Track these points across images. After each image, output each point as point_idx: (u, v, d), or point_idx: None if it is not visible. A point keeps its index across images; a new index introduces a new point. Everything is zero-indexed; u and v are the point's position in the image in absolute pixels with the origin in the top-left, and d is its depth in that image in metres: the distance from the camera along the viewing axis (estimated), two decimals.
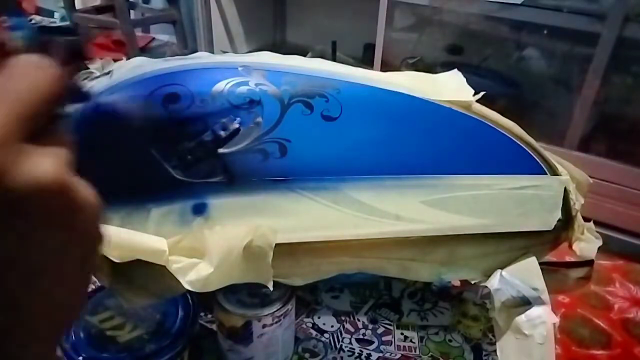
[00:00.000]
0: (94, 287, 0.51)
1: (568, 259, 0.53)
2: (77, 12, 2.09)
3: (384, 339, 0.54)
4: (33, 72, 0.16)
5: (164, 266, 0.35)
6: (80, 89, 0.21)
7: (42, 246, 0.16)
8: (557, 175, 0.43)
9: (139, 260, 0.34)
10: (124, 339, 0.45)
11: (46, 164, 0.15)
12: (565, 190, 0.43)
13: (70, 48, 0.20)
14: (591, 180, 0.49)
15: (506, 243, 0.42)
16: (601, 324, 0.57)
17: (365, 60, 1.70)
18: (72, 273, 0.18)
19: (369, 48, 1.61)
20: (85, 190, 0.17)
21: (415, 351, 0.52)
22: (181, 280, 0.35)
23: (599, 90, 1.20)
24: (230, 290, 0.44)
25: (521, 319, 0.40)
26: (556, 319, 0.40)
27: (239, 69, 0.39)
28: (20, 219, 0.15)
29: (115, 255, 0.34)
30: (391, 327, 0.55)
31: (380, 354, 0.52)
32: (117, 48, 2.09)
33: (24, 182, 0.14)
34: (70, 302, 0.18)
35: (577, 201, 0.45)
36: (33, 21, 2.45)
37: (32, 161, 0.15)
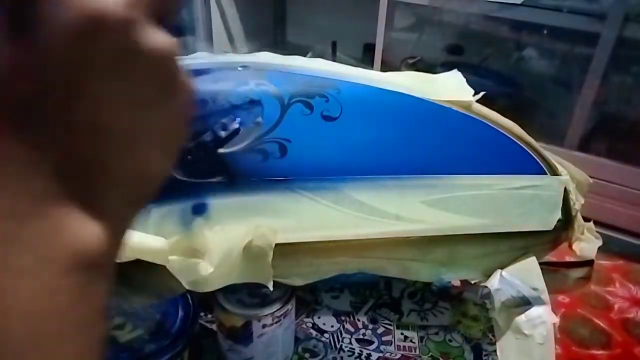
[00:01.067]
0: None
1: (568, 259, 0.53)
2: None
3: (384, 339, 0.54)
4: None
5: (164, 266, 0.35)
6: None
7: (144, 107, 0.17)
8: (557, 175, 0.43)
9: (139, 260, 0.34)
10: (124, 339, 0.45)
11: (165, 36, 0.17)
12: (565, 190, 0.43)
13: None
14: (591, 180, 0.49)
15: (506, 243, 0.42)
16: (601, 324, 0.57)
17: (365, 60, 1.70)
18: (161, 144, 0.18)
19: (369, 48, 1.61)
20: (186, 75, 0.18)
21: (415, 351, 0.52)
22: (181, 280, 0.35)
23: (599, 90, 1.20)
24: (230, 290, 0.44)
25: (521, 319, 0.40)
26: (556, 319, 0.40)
27: (239, 69, 0.39)
28: (138, 73, 0.16)
29: None
30: (391, 327, 0.55)
31: (380, 354, 0.52)
32: None
33: (149, 40, 0.16)
34: (156, 168, 0.19)
35: (577, 201, 0.45)
36: None
37: (154, 30, 0.16)
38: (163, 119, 0.18)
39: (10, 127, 0.15)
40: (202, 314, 0.52)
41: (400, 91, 0.42)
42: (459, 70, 0.48)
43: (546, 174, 0.43)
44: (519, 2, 1.26)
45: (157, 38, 0.16)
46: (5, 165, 0.15)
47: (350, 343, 0.53)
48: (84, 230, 0.16)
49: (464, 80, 0.46)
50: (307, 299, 0.58)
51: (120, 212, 0.18)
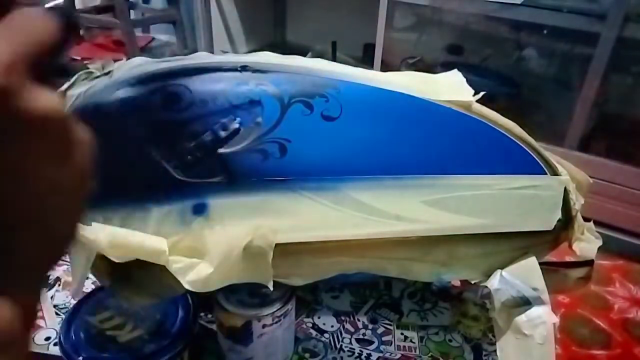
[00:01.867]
0: (93, 287, 0.51)
1: (568, 259, 0.53)
2: (77, 12, 2.09)
3: (384, 339, 0.54)
4: (38, 19, 0.17)
5: (164, 266, 0.35)
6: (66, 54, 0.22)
7: (38, 174, 0.16)
8: (557, 175, 0.43)
9: (139, 260, 0.34)
10: (124, 339, 0.45)
11: (49, 95, 0.16)
12: (565, 190, 0.43)
13: (63, 16, 0.20)
14: (591, 180, 0.49)
15: (506, 243, 0.42)
16: (601, 324, 0.57)
17: (365, 60, 1.70)
18: (64, 204, 0.18)
19: (369, 48, 1.61)
20: (79, 128, 0.17)
21: (415, 351, 0.52)
22: (181, 280, 0.35)
23: (599, 90, 1.20)
24: (230, 290, 0.44)
25: (521, 319, 0.40)
26: (556, 319, 0.40)
27: (238, 69, 0.39)
28: (20, 140, 0.15)
29: (115, 255, 0.34)
30: (391, 327, 0.55)
31: (380, 354, 0.52)
32: (117, 48, 2.09)
33: (30, 106, 0.15)
34: (60, 233, 0.18)
35: (577, 201, 0.45)
36: None
37: (37, 90, 0.15)
38: (60, 180, 0.17)
39: None
40: (202, 314, 0.52)
41: (400, 91, 0.42)
42: (459, 70, 0.48)
43: (546, 174, 0.43)
44: (519, 2, 1.26)
45: (40, 100, 0.15)
46: None
47: (350, 343, 0.53)
48: None
49: (464, 80, 0.46)
50: (307, 299, 0.58)
51: (27, 281, 0.17)
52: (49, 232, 0.17)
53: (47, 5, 0.21)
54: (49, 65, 0.17)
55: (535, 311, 0.40)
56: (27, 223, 0.16)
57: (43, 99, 0.16)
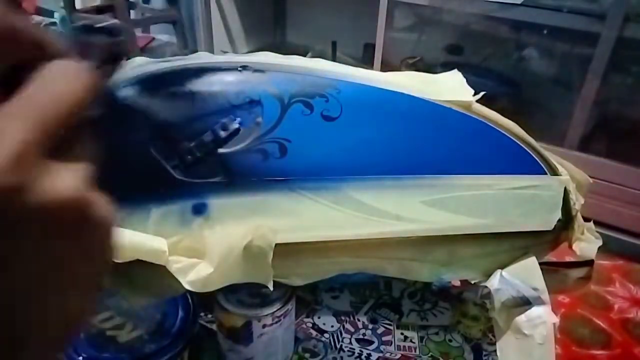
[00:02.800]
0: None
1: (568, 259, 0.53)
2: (77, 12, 2.09)
3: (384, 339, 0.54)
4: (64, 82, 0.16)
5: (164, 266, 0.35)
6: (109, 93, 0.22)
7: (52, 259, 0.16)
8: (557, 175, 0.43)
9: (139, 260, 0.34)
10: (124, 339, 0.45)
11: (66, 180, 0.15)
12: (565, 190, 0.43)
13: (112, 50, 0.20)
14: (591, 180, 0.49)
15: (506, 243, 0.42)
16: (601, 324, 0.57)
17: (365, 60, 1.70)
18: (80, 285, 0.17)
19: (369, 48, 1.61)
20: (102, 206, 0.17)
21: (415, 351, 0.52)
22: (181, 280, 0.35)
23: (599, 90, 1.20)
24: (230, 290, 0.44)
25: (521, 319, 0.40)
26: (556, 319, 0.40)
27: (239, 69, 0.39)
28: (34, 232, 0.15)
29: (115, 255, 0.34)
30: (391, 327, 0.55)
31: (380, 354, 0.52)
32: None
33: (42, 199, 0.14)
34: (77, 314, 0.18)
35: (577, 201, 0.45)
36: (33, 21, 2.45)
37: (51, 178, 0.15)
38: (77, 262, 0.16)
39: None
40: (202, 314, 0.52)
41: (400, 91, 0.42)
42: (459, 70, 0.48)
43: (546, 174, 0.43)
44: (519, 2, 1.26)
45: (56, 185, 0.15)
46: None
47: (350, 343, 0.53)
48: None
49: (464, 80, 0.46)
50: (307, 299, 0.58)
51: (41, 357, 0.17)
52: (57, 314, 0.17)
53: (98, 25, 0.20)
54: (79, 120, 0.16)
55: (535, 311, 0.40)
56: (34, 300, 0.16)
57: (59, 184, 0.15)
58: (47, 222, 0.15)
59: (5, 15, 0.15)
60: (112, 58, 0.20)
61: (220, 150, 0.36)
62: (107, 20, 0.20)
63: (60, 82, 0.16)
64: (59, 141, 0.15)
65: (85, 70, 0.17)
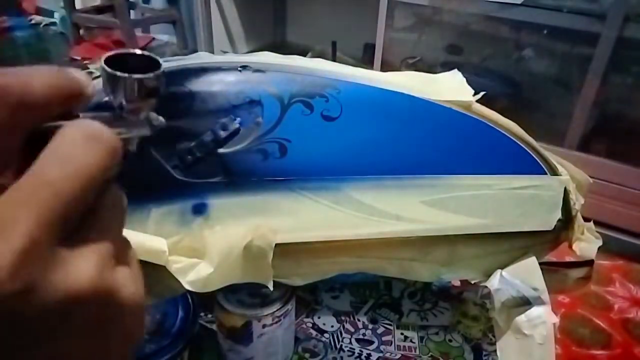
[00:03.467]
0: None
1: (568, 259, 0.53)
2: (77, 12, 2.10)
3: (384, 339, 0.54)
4: (82, 151, 0.14)
5: (164, 266, 0.35)
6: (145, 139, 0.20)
7: (76, 354, 0.14)
8: (557, 175, 0.43)
9: (139, 260, 0.34)
10: None
11: (82, 268, 0.14)
12: (565, 190, 0.43)
13: (145, 86, 0.18)
14: (591, 180, 0.49)
15: (506, 243, 0.42)
16: (601, 324, 0.57)
17: (365, 60, 1.70)
18: None
19: (369, 48, 1.61)
20: (128, 289, 0.15)
21: (415, 351, 0.52)
22: (181, 281, 0.35)
23: (599, 90, 1.20)
24: (230, 290, 0.44)
25: (521, 319, 0.40)
26: (556, 319, 0.40)
27: (239, 69, 0.39)
28: (49, 334, 0.13)
29: None
30: (391, 327, 0.55)
31: (380, 354, 0.52)
32: (117, 48, 2.09)
33: (54, 297, 0.13)
34: None
35: (577, 201, 0.45)
36: (33, 21, 2.45)
37: (64, 269, 0.13)
38: (103, 354, 0.15)
39: None
40: (202, 314, 0.52)
41: (400, 91, 0.42)
42: (459, 70, 0.48)
43: (546, 174, 0.43)
44: (519, 2, 1.26)
45: (70, 278, 0.13)
46: None
47: (350, 343, 0.53)
48: None
49: (464, 80, 0.46)
50: (307, 299, 0.58)
51: None
52: None
53: (135, 51, 0.19)
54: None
55: (535, 311, 0.40)
56: None
57: (74, 278, 0.13)
58: (63, 321, 0.13)
59: (58, 77, 0.14)
60: (146, 95, 0.19)
61: (220, 150, 0.36)
62: (137, 50, 0.19)
63: (77, 151, 0.14)
64: (74, 218, 0.14)
65: (107, 131, 0.15)
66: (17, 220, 0.12)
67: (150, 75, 0.18)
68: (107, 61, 0.18)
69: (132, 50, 0.18)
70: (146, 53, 0.19)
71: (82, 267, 0.14)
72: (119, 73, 0.17)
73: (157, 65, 0.18)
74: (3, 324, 0.12)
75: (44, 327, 0.13)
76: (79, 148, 0.14)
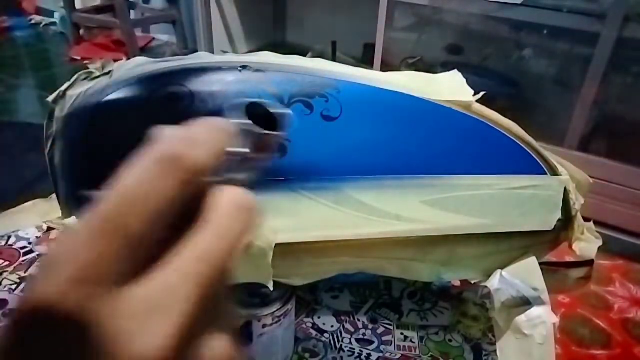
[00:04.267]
0: None
1: (568, 259, 0.53)
2: (77, 12, 2.10)
3: (384, 339, 0.54)
4: (237, 227, 0.14)
5: None
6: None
7: None
8: (557, 175, 0.43)
9: None
10: None
11: (153, 331, 0.12)
12: (565, 190, 0.43)
13: (267, 143, 0.18)
14: (591, 180, 0.49)
15: (506, 243, 0.42)
16: (601, 324, 0.57)
17: (365, 60, 1.70)
18: None
19: (369, 48, 1.61)
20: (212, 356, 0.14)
21: (415, 351, 0.52)
22: None
23: (599, 90, 1.20)
24: None
25: (521, 319, 0.40)
26: (556, 319, 0.40)
27: (239, 69, 0.39)
28: None
29: None
30: (391, 327, 0.55)
31: (380, 354, 0.52)
32: (117, 48, 2.09)
33: None
34: None
35: (577, 201, 0.45)
36: (33, 21, 2.45)
37: (129, 329, 0.12)
38: None
39: None
40: None
41: (400, 91, 0.42)
42: (459, 70, 0.48)
43: (546, 174, 0.43)
44: (519, 2, 1.26)
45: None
46: None
47: (350, 343, 0.53)
48: None
49: (464, 80, 0.46)
50: (307, 299, 0.58)
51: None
52: None
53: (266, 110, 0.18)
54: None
55: (535, 311, 0.40)
56: None
57: (140, 345, 0.12)
58: None
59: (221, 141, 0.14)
60: (263, 151, 0.18)
61: None
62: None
63: (233, 225, 0.14)
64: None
65: (254, 200, 0.15)
66: (175, 299, 0.12)
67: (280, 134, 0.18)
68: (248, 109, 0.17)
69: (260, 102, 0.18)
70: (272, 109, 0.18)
71: (153, 328, 0.12)
72: (259, 130, 0.17)
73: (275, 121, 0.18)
74: None
75: None
76: (234, 222, 0.14)
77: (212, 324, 0.14)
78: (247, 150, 0.16)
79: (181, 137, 0.14)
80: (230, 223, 0.14)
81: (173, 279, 0.12)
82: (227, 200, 0.14)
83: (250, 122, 0.17)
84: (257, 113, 0.17)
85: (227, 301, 0.15)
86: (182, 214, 0.13)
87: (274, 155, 0.18)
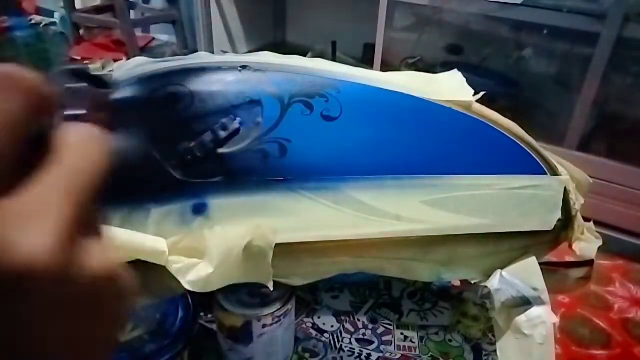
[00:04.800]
0: None
1: (568, 259, 0.53)
2: (77, 12, 2.10)
3: (384, 339, 0.54)
4: (94, 149, 0.15)
5: (164, 266, 0.35)
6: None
7: (80, 331, 0.15)
8: (557, 175, 0.43)
9: (139, 260, 0.34)
10: (124, 339, 0.45)
11: (99, 255, 0.15)
12: (565, 190, 0.43)
13: (97, 101, 0.19)
14: (591, 180, 0.49)
15: (506, 243, 0.42)
16: (601, 324, 0.57)
17: (365, 60, 1.71)
18: (98, 348, 0.17)
19: (369, 48, 1.61)
20: (127, 277, 0.16)
21: (415, 351, 0.52)
22: (181, 281, 0.35)
23: (599, 90, 1.20)
24: (230, 290, 0.44)
25: (521, 319, 0.40)
26: (556, 319, 0.40)
27: (239, 69, 0.39)
28: (73, 310, 0.14)
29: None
30: (391, 327, 0.55)
31: (380, 354, 0.52)
32: (117, 48, 2.09)
33: (84, 277, 0.14)
34: None
35: (577, 201, 0.45)
36: (33, 21, 2.45)
37: (88, 254, 0.14)
38: (100, 330, 0.16)
39: None
40: (202, 314, 0.52)
41: (400, 91, 0.42)
42: (459, 70, 0.48)
43: (546, 174, 0.43)
44: (519, 2, 1.26)
45: (93, 262, 0.14)
46: None
47: (350, 343, 0.53)
48: None
49: (464, 80, 0.46)
50: (307, 299, 0.58)
51: None
52: None
53: (90, 72, 0.20)
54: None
55: (535, 311, 0.40)
56: None
57: (95, 263, 0.14)
58: (86, 300, 0.14)
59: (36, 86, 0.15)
60: (96, 109, 0.19)
61: (220, 151, 0.36)
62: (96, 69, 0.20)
63: (90, 149, 0.15)
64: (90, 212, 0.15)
65: (106, 136, 0.16)
66: (55, 203, 0.13)
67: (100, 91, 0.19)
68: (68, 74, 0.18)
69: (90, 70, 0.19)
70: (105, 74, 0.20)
71: (98, 253, 0.15)
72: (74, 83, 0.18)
73: (108, 86, 0.19)
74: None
75: (72, 307, 0.14)
76: (91, 146, 0.15)
77: (87, 228, 0.15)
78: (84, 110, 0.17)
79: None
80: (86, 144, 0.15)
81: (44, 188, 0.13)
82: (78, 129, 0.16)
83: (84, 83, 0.18)
84: (83, 77, 0.19)
85: (98, 206, 0.16)
86: (37, 149, 0.15)
87: (109, 113, 0.19)
